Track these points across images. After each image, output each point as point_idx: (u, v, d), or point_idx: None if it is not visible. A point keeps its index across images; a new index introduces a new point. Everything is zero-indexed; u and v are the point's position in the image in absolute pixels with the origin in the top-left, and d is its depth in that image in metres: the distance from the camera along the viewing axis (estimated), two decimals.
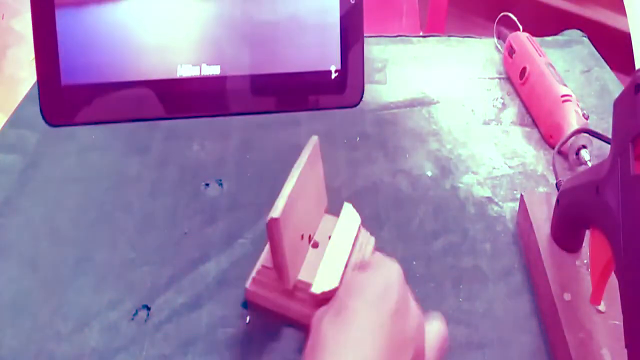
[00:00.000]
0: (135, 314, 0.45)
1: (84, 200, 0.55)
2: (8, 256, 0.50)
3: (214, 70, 0.36)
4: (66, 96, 0.34)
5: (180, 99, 0.36)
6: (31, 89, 0.69)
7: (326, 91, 0.39)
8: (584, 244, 0.46)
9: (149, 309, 0.46)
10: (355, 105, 0.40)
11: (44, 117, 0.33)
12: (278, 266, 0.40)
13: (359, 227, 0.47)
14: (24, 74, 1.74)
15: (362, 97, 0.40)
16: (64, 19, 0.33)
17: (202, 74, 0.36)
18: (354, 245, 0.45)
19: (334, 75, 0.39)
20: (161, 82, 0.35)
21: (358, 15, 0.39)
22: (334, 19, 0.38)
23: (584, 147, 0.57)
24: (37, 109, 0.69)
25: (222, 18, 0.36)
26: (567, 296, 0.43)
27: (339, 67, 0.39)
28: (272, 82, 0.38)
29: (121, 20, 0.34)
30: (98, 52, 0.34)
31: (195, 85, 0.36)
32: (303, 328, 0.44)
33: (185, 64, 0.36)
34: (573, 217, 0.44)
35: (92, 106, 0.35)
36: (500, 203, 0.55)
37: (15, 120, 0.65)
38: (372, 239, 0.50)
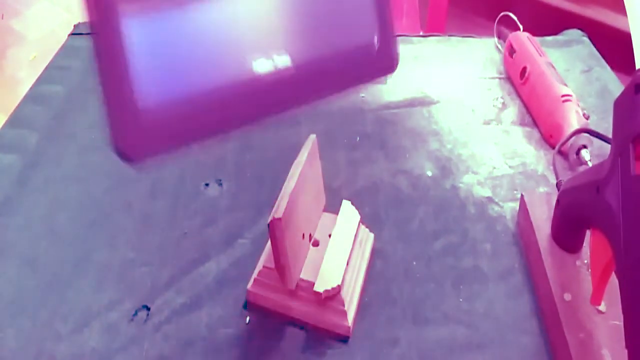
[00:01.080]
0: (135, 314, 0.45)
1: (83, 200, 0.55)
2: (8, 256, 0.50)
3: (285, 61, 0.34)
4: (146, 122, 0.29)
5: (260, 96, 0.34)
6: (31, 89, 0.69)
7: (372, 62, 0.39)
8: (584, 244, 0.46)
9: (148, 309, 0.46)
10: (394, 71, 0.39)
11: (122, 155, 0.28)
12: (280, 266, 0.40)
13: (359, 224, 0.47)
14: (24, 74, 1.73)
15: (398, 61, 0.40)
16: (131, 31, 0.28)
17: (275, 64, 0.34)
18: (354, 242, 0.45)
19: (377, 46, 0.39)
20: (242, 82, 0.33)
21: None
22: None
23: (585, 147, 0.57)
24: (37, 108, 0.69)
25: (276, 3, 0.34)
26: (567, 296, 0.43)
27: (379, 36, 0.38)
28: (332, 62, 0.36)
29: (189, 24, 0.31)
30: (172, 63, 0.30)
31: (272, 78, 0.34)
32: (304, 327, 0.44)
33: (258, 58, 0.33)
34: (573, 217, 0.44)
35: (175, 127, 0.31)
36: (500, 203, 0.55)
37: (14, 120, 0.65)
38: (372, 235, 0.50)
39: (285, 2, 0.34)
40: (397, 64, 0.39)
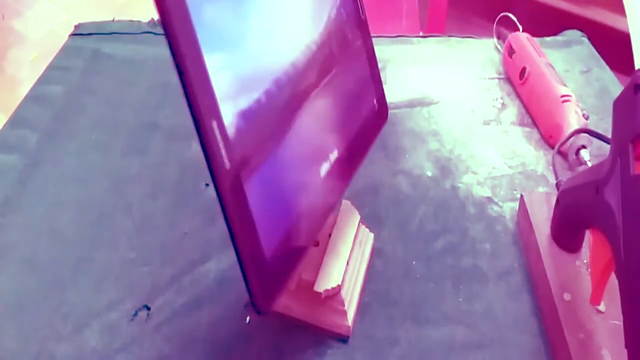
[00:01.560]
0: (135, 314, 0.45)
1: (84, 200, 0.55)
2: (8, 256, 0.50)
3: (335, 154, 0.38)
4: (273, 268, 0.30)
5: (329, 189, 0.37)
6: (31, 89, 0.69)
7: (375, 123, 0.44)
8: (584, 244, 0.46)
9: (149, 309, 0.46)
10: (386, 120, 0.46)
11: (260, 309, 0.30)
12: None
13: (359, 224, 0.47)
14: (25, 74, 1.74)
15: (388, 111, 0.46)
16: (250, 188, 0.29)
17: (331, 161, 0.37)
18: (354, 242, 0.45)
19: (377, 107, 0.43)
20: (317, 189, 0.35)
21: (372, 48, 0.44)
22: (367, 59, 0.42)
23: (584, 147, 0.57)
24: (38, 108, 0.69)
25: (325, 101, 0.37)
26: (567, 296, 0.43)
27: (376, 97, 0.43)
28: (357, 137, 0.41)
29: (284, 164, 0.32)
30: (278, 202, 0.31)
31: (330, 173, 0.37)
32: (304, 327, 0.44)
33: (323, 163, 0.37)
34: (573, 217, 0.44)
35: (289, 261, 0.32)
36: (500, 203, 0.55)
37: (15, 121, 0.65)
38: (372, 235, 0.50)
39: (331, 108, 0.38)
40: (388, 113, 0.46)
